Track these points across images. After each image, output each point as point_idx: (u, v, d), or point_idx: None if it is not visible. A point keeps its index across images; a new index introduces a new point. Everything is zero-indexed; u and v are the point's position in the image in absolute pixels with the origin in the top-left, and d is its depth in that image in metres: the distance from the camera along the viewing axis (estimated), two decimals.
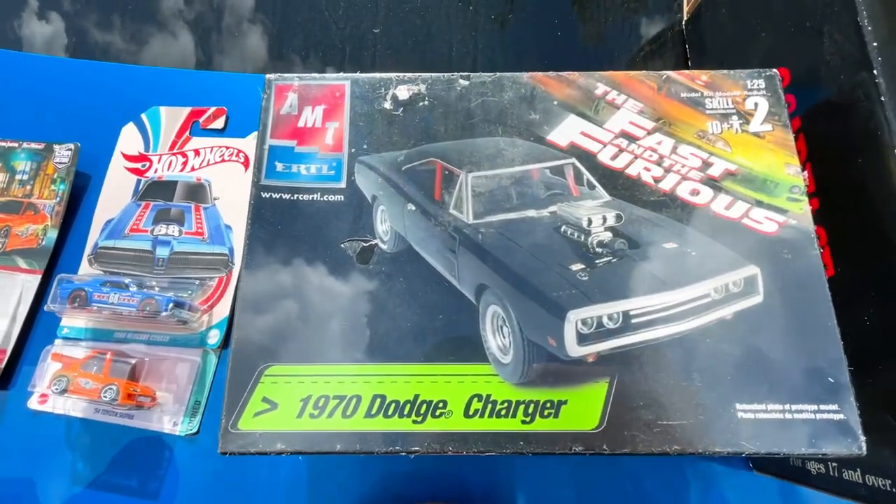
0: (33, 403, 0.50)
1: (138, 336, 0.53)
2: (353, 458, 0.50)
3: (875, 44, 0.35)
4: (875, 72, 0.35)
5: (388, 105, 0.40)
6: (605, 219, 0.36)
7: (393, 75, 0.41)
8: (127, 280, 0.51)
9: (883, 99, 0.34)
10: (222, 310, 0.53)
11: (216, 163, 0.59)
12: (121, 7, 0.71)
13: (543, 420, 0.32)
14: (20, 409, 0.51)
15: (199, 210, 0.57)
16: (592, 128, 0.39)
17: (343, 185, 0.38)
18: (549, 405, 0.32)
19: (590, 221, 0.36)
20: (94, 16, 0.70)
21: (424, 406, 0.33)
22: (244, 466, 0.49)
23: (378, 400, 0.33)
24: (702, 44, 0.59)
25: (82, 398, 0.48)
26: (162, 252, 0.55)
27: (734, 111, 0.39)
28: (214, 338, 0.52)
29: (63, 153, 0.59)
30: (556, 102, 0.40)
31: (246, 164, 0.59)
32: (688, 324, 0.34)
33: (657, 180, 0.38)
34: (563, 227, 0.37)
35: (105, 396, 0.46)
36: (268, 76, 0.41)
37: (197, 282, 0.53)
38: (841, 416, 0.32)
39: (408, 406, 0.33)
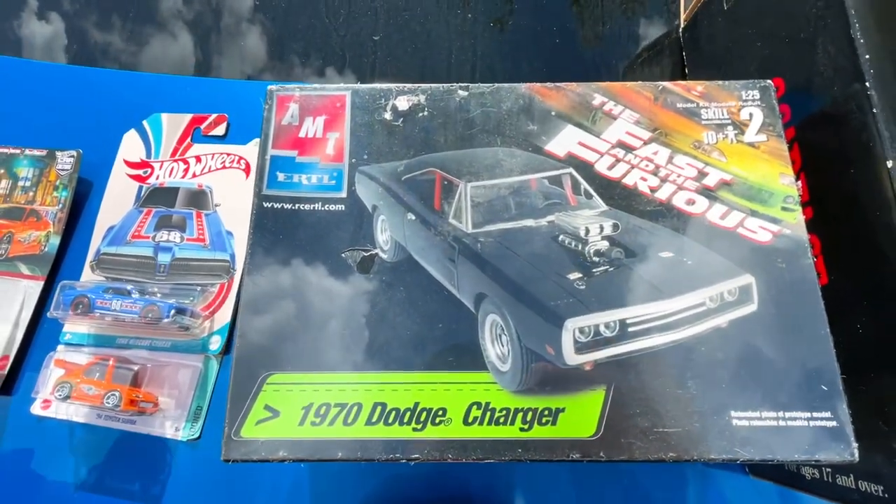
0: (36, 409, 0.51)
1: (140, 342, 0.53)
2: (354, 464, 0.50)
3: (867, 56, 0.36)
4: (867, 84, 0.35)
5: (388, 115, 0.40)
6: (602, 228, 0.37)
7: (393, 86, 0.41)
8: (129, 287, 0.52)
9: (875, 111, 0.35)
10: (224, 316, 0.54)
11: (217, 169, 0.60)
12: (120, 7, 0.71)
13: (541, 427, 0.33)
14: (23, 414, 0.51)
15: (200, 216, 0.58)
16: (590, 138, 0.40)
17: (344, 194, 0.39)
18: (546, 413, 0.33)
19: (587, 231, 0.37)
20: (94, 16, 0.71)
21: (424, 414, 0.33)
22: (246, 471, 0.50)
23: (379, 408, 0.33)
24: (698, 51, 0.59)
25: (85, 404, 0.48)
26: (164, 258, 0.55)
27: (729, 121, 0.40)
28: (216, 344, 0.53)
29: (65, 160, 0.59)
30: (553, 113, 0.40)
31: (247, 170, 0.60)
32: (684, 332, 0.35)
33: (653, 190, 0.38)
34: (561, 237, 0.37)
35: (108, 402, 0.47)
36: (270, 87, 0.41)
37: (198, 288, 0.54)
38: (834, 423, 0.32)
39: (408, 414, 0.33)
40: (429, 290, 0.36)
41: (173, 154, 0.61)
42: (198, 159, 0.60)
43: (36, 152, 0.60)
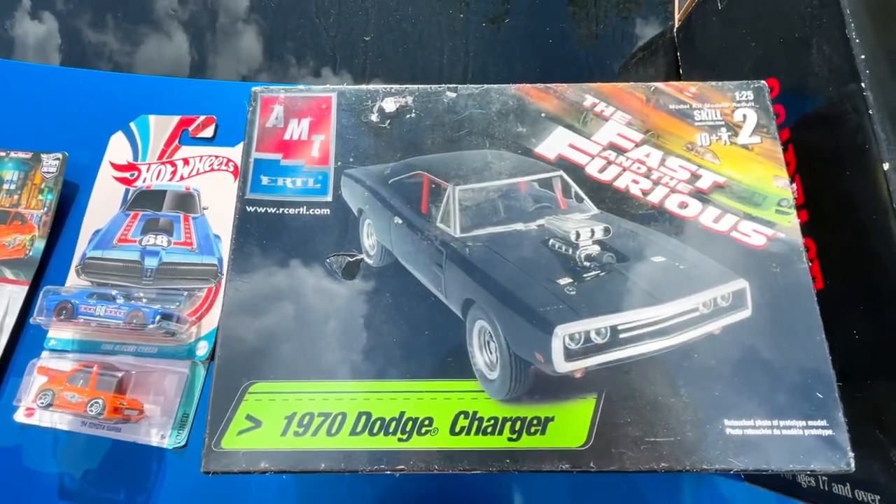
0: (20, 416, 0.50)
1: (126, 348, 0.52)
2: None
3: (863, 57, 0.35)
4: (863, 84, 0.35)
5: (374, 117, 0.40)
6: (593, 232, 0.36)
7: (380, 87, 0.40)
8: (114, 292, 0.51)
9: (871, 112, 0.34)
10: (211, 321, 0.53)
11: (205, 172, 0.59)
12: (114, 7, 0.70)
13: (530, 437, 0.32)
14: (6, 421, 0.50)
15: (188, 220, 0.57)
16: (580, 140, 0.39)
17: (329, 198, 0.38)
18: (535, 422, 0.32)
19: (578, 235, 0.36)
20: (88, 16, 0.70)
21: (410, 423, 0.32)
22: (233, 480, 0.49)
23: (363, 417, 0.32)
24: (693, 51, 0.59)
25: (68, 412, 0.47)
26: (150, 262, 0.55)
27: (723, 123, 0.39)
28: (203, 349, 0.52)
29: (51, 162, 0.58)
30: (543, 114, 0.40)
31: (235, 173, 0.59)
32: (676, 338, 0.34)
33: (645, 193, 0.38)
34: (551, 241, 0.36)
35: (91, 410, 0.46)
36: (254, 88, 0.41)
37: (185, 293, 0.53)
38: (829, 431, 0.32)
39: (393, 423, 0.32)
40: (415, 296, 0.35)
41: (161, 156, 0.60)
42: (185, 162, 0.60)
43: (21, 155, 0.59)
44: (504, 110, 0.40)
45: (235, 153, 0.60)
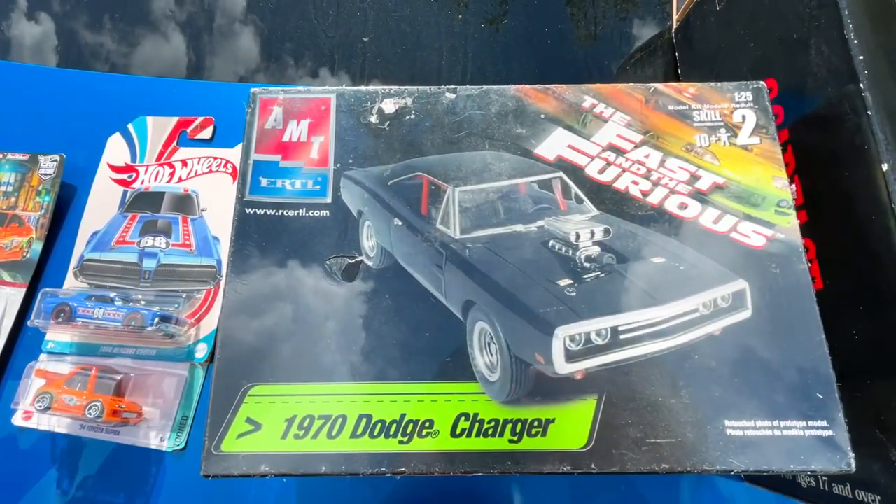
0: (17, 420, 0.50)
1: (124, 350, 0.52)
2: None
3: (861, 57, 0.35)
4: (862, 85, 0.35)
5: (374, 119, 0.40)
6: (593, 233, 0.36)
7: (379, 88, 0.40)
8: (112, 294, 0.51)
9: (870, 113, 0.34)
10: (210, 323, 0.53)
11: (204, 173, 0.59)
12: (111, 8, 0.70)
13: (531, 439, 0.32)
14: (4, 425, 0.50)
15: (186, 221, 0.57)
16: (580, 141, 0.39)
17: (329, 200, 0.38)
18: (536, 424, 0.32)
19: (578, 236, 0.36)
20: (84, 17, 0.70)
21: (411, 426, 0.32)
22: (233, 483, 0.49)
23: (364, 420, 0.32)
24: (691, 52, 0.59)
25: (67, 415, 0.47)
26: (149, 264, 0.54)
27: (722, 124, 0.39)
28: (202, 351, 0.52)
29: (48, 164, 0.58)
30: (543, 116, 0.40)
31: (234, 174, 0.59)
32: (676, 339, 0.34)
33: (645, 194, 0.38)
34: (551, 242, 0.36)
35: (90, 413, 0.46)
36: (252, 90, 0.40)
37: (184, 295, 0.53)
38: (830, 432, 0.32)
39: (394, 426, 0.32)
40: (415, 298, 0.35)
41: (159, 158, 0.60)
42: (184, 163, 0.59)
43: (18, 156, 0.59)
44: (503, 111, 0.40)
45: (234, 154, 0.60)
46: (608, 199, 0.38)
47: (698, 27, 0.57)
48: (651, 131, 0.39)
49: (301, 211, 0.37)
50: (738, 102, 0.39)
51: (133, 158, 0.60)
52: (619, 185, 0.38)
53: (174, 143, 0.61)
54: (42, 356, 0.52)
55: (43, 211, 0.57)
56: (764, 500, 0.48)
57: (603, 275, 0.35)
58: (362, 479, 0.48)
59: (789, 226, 0.36)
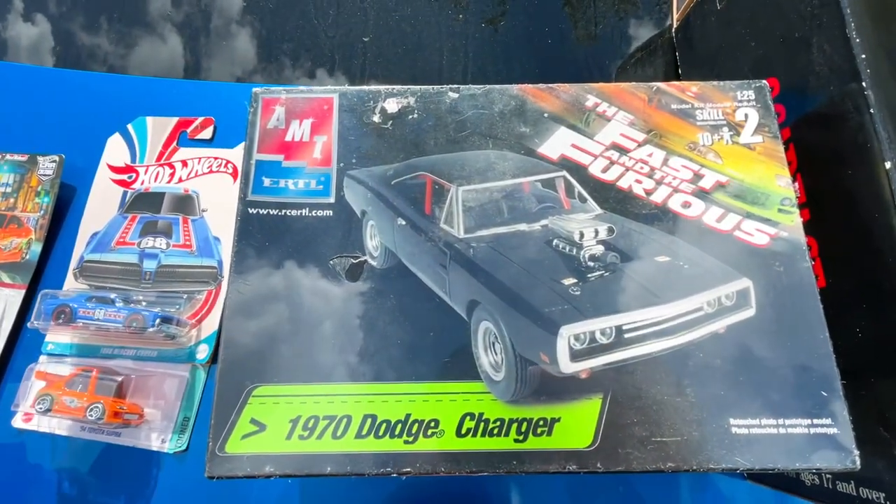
0: (17, 422, 0.49)
1: (125, 352, 0.52)
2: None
3: (863, 56, 0.35)
4: (864, 83, 0.35)
5: (376, 118, 0.39)
6: (597, 232, 0.36)
7: (382, 88, 0.40)
8: (113, 295, 0.50)
9: (872, 111, 0.34)
10: (211, 324, 0.53)
11: (204, 174, 0.59)
12: (108, 9, 0.70)
13: (536, 438, 0.32)
14: (4, 427, 0.50)
15: (187, 222, 0.57)
16: (583, 140, 0.39)
17: (332, 199, 0.38)
18: (542, 423, 0.32)
19: (582, 235, 0.36)
20: (81, 18, 0.69)
21: (416, 426, 0.32)
22: (236, 485, 0.48)
23: (369, 420, 0.32)
24: (692, 51, 0.59)
25: (68, 417, 0.47)
26: (149, 265, 0.54)
27: (724, 122, 0.39)
28: (203, 352, 0.52)
29: (47, 165, 0.58)
30: (546, 115, 0.40)
31: (235, 174, 0.59)
32: (681, 338, 0.34)
33: (649, 193, 0.38)
34: (555, 241, 0.36)
35: (91, 415, 0.45)
36: (254, 89, 0.40)
37: (185, 296, 0.53)
38: (834, 429, 0.32)
39: (399, 426, 0.32)
40: (420, 298, 0.35)
41: (159, 158, 0.60)
42: (184, 163, 0.59)
43: (17, 157, 0.58)
44: (506, 110, 0.40)
45: (234, 155, 0.59)
46: (612, 198, 0.38)
47: (699, 26, 0.57)
48: (654, 130, 0.39)
49: (304, 211, 0.37)
50: (741, 101, 0.39)
51: (133, 159, 0.60)
52: (623, 183, 0.38)
53: (174, 143, 0.60)
54: (42, 358, 0.52)
55: (42, 212, 0.56)
56: (766, 499, 0.48)
57: (607, 274, 0.35)
58: (366, 479, 0.48)
59: (793, 224, 0.36)
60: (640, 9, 0.71)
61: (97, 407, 0.46)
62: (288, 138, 0.39)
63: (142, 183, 0.58)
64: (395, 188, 0.38)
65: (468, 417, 0.32)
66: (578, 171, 0.38)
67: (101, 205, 0.57)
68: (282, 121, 0.39)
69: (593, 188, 0.38)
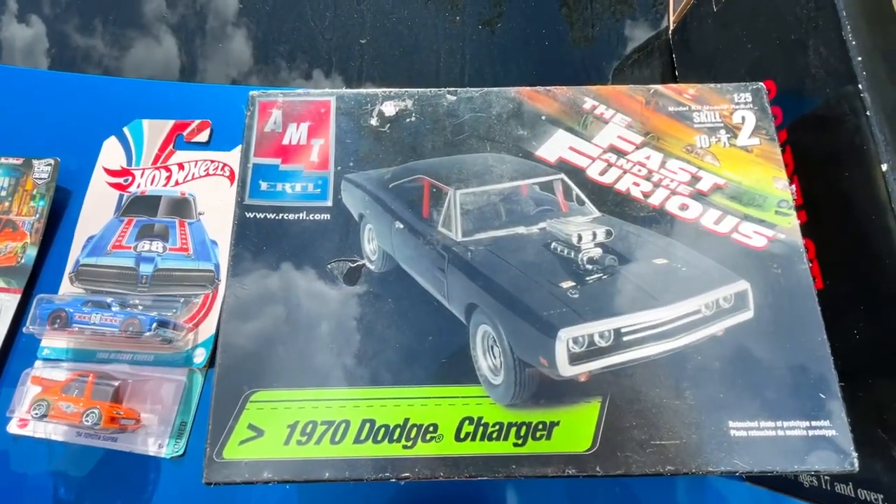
0: (13, 428, 0.49)
1: (122, 356, 0.51)
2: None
3: (860, 58, 0.35)
4: (860, 86, 0.35)
5: (374, 121, 0.39)
6: (595, 235, 0.36)
7: (379, 91, 0.40)
8: (109, 299, 0.50)
9: (868, 113, 0.34)
10: (208, 327, 0.52)
11: (201, 177, 0.58)
12: (103, 11, 0.69)
13: (536, 442, 0.32)
14: None
15: (183, 225, 0.56)
16: (581, 143, 0.39)
17: (329, 203, 0.37)
18: (541, 427, 0.32)
19: (580, 238, 0.36)
20: (76, 20, 0.69)
21: (415, 430, 0.32)
22: (233, 490, 0.48)
23: (367, 425, 0.32)
24: (688, 53, 0.59)
25: (64, 422, 0.46)
26: (146, 269, 0.54)
27: (722, 125, 0.39)
28: (200, 356, 0.51)
29: (42, 168, 0.57)
30: (543, 117, 0.40)
31: (231, 177, 0.58)
32: (679, 341, 0.34)
33: (646, 195, 0.38)
34: (553, 244, 0.36)
35: (87, 421, 0.45)
36: (251, 93, 0.40)
37: (182, 299, 0.52)
38: (833, 431, 0.32)
39: (398, 430, 0.32)
40: (418, 301, 0.35)
41: (155, 161, 0.59)
42: (180, 166, 0.59)
43: (11, 160, 0.58)
44: (504, 113, 0.40)
45: (231, 157, 0.59)
46: (609, 201, 0.38)
47: (695, 28, 0.57)
48: (651, 133, 0.39)
49: (301, 214, 0.37)
50: (738, 104, 0.40)
51: (129, 162, 0.59)
52: (621, 186, 0.38)
53: (170, 146, 0.60)
54: (37, 363, 0.51)
55: (37, 215, 0.56)
56: (765, 501, 0.48)
57: (605, 276, 0.35)
58: (362, 488, 0.48)
59: (790, 226, 0.36)
60: (636, 10, 0.71)
61: (93, 412, 0.45)
62: (285, 142, 0.39)
63: (138, 186, 0.58)
64: (392, 191, 0.38)
65: (467, 421, 0.32)
66: (576, 173, 0.38)
67: (97, 208, 0.57)
68: (279, 124, 0.39)
69: (591, 191, 0.38)
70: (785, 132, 0.41)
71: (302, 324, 0.34)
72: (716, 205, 0.37)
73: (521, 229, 0.37)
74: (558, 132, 0.39)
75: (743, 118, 0.39)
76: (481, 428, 0.32)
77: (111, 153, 0.60)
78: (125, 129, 0.61)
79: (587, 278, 0.35)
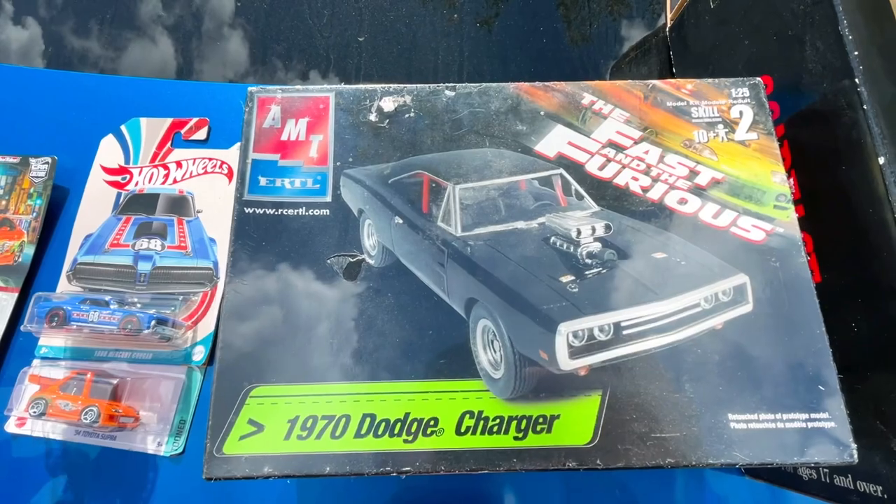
0: (10, 427, 0.49)
1: (120, 354, 0.51)
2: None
3: (856, 53, 0.35)
4: (857, 80, 0.35)
5: (373, 117, 0.39)
6: (594, 229, 0.36)
7: (378, 87, 0.40)
8: (107, 297, 0.50)
9: (865, 107, 0.34)
10: (207, 325, 0.52)
11: (199, 174, 0.58)
12: (98, 13, 0.69)
13: (536, 436, 0.32)
14: None
15: (181, 223, 0.56)
16: (580, 138, 0.39)
17: (329, 199, 0.37)
18: (541, 420, 0.32)
19: (579, 232, 0.36)
20: (71, 21, 0.69)
21: (415, 424, 0.32)
22: (232, 488, 0.48)
23: (368, 419, 0.32)
24: (686, 50, 0.59)
25: (62, 420, 0.46)
26: (144, 267, 0.54)
27: (720, 119, 0.39)
28: (199, 354, 0.51)
29: (39, 167, 0.57)
30: (542, 112, 0.40)
31: (230, 175, 0.58)
32: (679, 334, 0.34)
33: (645, 190, 0.38)
34: (553, 239, 0.36)
35: (85, 419, 0.45)
36: (250, 88, 0.40)
37: (180, 297, 0.52)
38: (832, 423, 0.32)
39: (398, 425, 0.32)
40: (418, 296, 0.35)
41: (153, 159, 0.59)
42: (178, 164, 0.59)
43: (8, 159, 0.58)
44: (503, 109, 0.40)
45: (229, 155, 0.59)
46: (608, 196, 0.38)
47: (692, 26, 0.57)
48: (650, 128, 0.39)
49: (301, 210, 0.37)
50: (736, 98, 0.40)
51: (126, 160, 0.59)
52: (619, 181, 0.38)
53: (168, 144, 0.60)
54: (35, 362, 0.51)
55: (35, 214, 0.56)
56: (764, 494, 0.48)
57: (604, 271, 0.35)
58: (363, 482, 0.48)
59: (788, 220, 0.36)
60: (634, 9, 0.72)
61: (92, 410, 0.45)
62: (284, 137, 0.39)
63: (136, 184, 0.58)
64: (392, 187, 0.38)
65: (468, 415, 0.32)
66: (575, 168, 0.38)
67: (95, 207, 0.57)
68: (277, 120, 0.39)
69: (590, 185, 0.38)
70: (782, 127, 0.42)
71: (301, 320, 0.34)
72: (714, 199, 0.37)
73: (520, 224, 0.37)
74: (557, 127, 0.39)
75: (741, 113, 0.39)
76: (482, 422, 0.32)
77: (109, 151, 0.60)
78: (123, 128, 0.60)
79: (586, 272, 0.35)
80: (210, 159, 0.59)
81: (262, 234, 0.36)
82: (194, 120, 0.61)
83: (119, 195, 0.58)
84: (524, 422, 0.32)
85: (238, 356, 0.33)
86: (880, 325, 0.34)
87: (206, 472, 0.31)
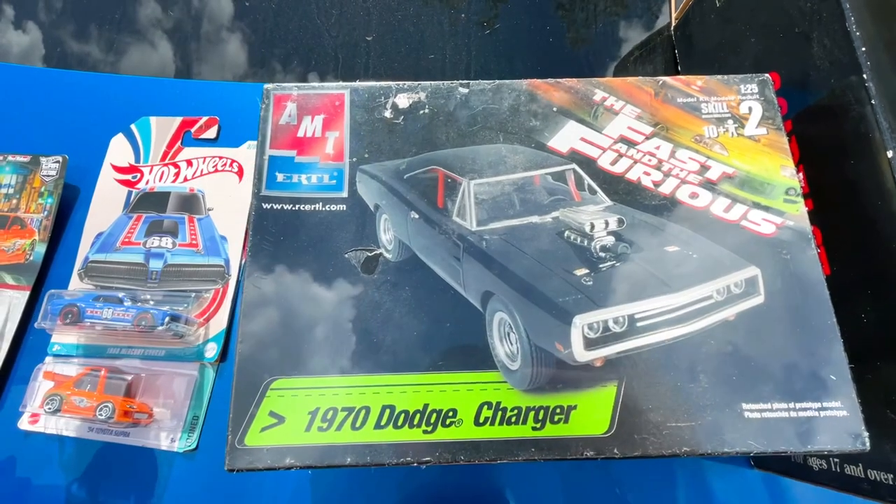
0: (24, 423, 0.49)
1: (133, 351, 0.51)
2: (354, 469, 0.49)
3: (863, 49, 0.36)
4: (865, 76, 0.36)
5: (388, 113, 0.40)
6: (607, 223, 0.37)
7: (392, 84, 0.41)
8: (121, 294, 0.50)
9: (873, 102, 0.35)
10: (219, 322, 0.52)
11: (209, 173, 0.59)
12: (98, 16, 0.70)
13: (554, 426, 0.32)
14: (10, 429, 0.49)
15: (192, 221, 0.56)
16: (592, 133, 0.40)
17: (345, 194, 0.38)
18: (558, 411, 0.33)
19: (592, 226, 0.36)
20: (71, 26, 0.69)
21: (434, 415, 0.32)
22: (245, 482, 0.48)
23: (387, 410, 0.32)
24: (691, 49, 0.60)
25: (76, 417, 0.46)
26: (155, 265, 0.54)
27: (729, 115, 0.40)
28: (212, 351, 0.51)
29: (50, 165, 0.58)
30: (555, 109, 0.40)
31: (240, 173, 0.59)
32: (692, 326, 0.34)
33: (657, 184, 0.38)
34: (566, 233, 0.37)
35: (100, 415, 0.45)
36: (266, 86, 0.41)
37: (192, 294, 0.52)
38: (844, 412, 0.32)
39: (417, 416, 0.32)
40: (435, 290, 0.35)
41: (163, 158, 0.60)
42: (189, 163, 0.59)
43: (19, 158, 0.58)
44: (516, 105, 0.40)
45: (239, 154, 0.60)
46: (621, 190, 0.38)
47: (698, 24, 0.58)
48: (661, 123, 0.40)
49: (318, 205, 0.37)
50: (745, 94, 0.40)
51: (137, 159, 0.60)
52: (631, 175, 0.39)
53: (178, 142, 0.60)
54: (48, 359, 0.51)
55: (46, 213, 0.56)
56: (773, 485, 0.49)
57: (618, 264, 0.36)
58: (374, 478, 0.48)
59: (798, 213, 0.37)
60: (639, 9, 0.72)
61: (107, 406, 0.45)
62: (300, 134, 0.39)
63: (146, 183, 0.58)
64: (407, 182, 0.38)
65: (486, 406, 0.33)
66: (588, 163, 0.39)
67: (105, 205, 0.57)
68: (294, 117, 0.40)
69: (602, 180, 0.39)
70: (790, 123, 0.42)
71: (319, 313, 0.35)
72: (725, 193, 0.38)
73: (534, 218, 0.38)
74: (570, 123, 0.40)
75: (750, 108, 0.40)
76: (500, 413, 0.32)
77: (119, 150, 0.60)
78: (133, 127, 0.61)
79: (600, 265, 0.36)
80: (220, 157, 0.59)
81: (280, 230, 0.37)
82: (204, 119, 0.61)
83: (130, 193, 0.58)
84: (542, 412, 0.32)
85: (258, 349, 0.34)
86: (889, 315, 0.35)
87: (228, 464, 0.31)
